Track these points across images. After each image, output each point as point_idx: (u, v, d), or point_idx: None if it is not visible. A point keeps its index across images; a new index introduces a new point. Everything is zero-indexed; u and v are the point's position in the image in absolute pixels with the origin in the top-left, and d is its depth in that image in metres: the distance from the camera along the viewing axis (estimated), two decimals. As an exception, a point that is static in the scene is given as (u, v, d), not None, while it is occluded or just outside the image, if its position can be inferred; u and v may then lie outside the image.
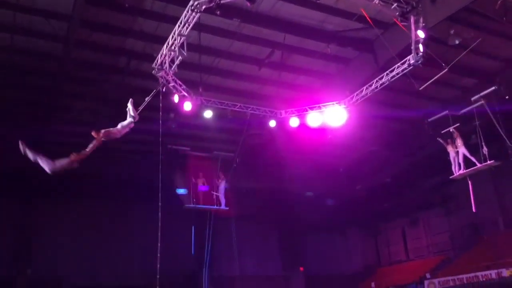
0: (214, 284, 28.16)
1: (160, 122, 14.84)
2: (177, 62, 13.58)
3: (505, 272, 18.88)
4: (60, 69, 17.73)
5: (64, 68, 17.68)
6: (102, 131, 10.19)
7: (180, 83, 15.38)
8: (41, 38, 16.16)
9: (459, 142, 16.73)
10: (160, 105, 14.68)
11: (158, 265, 13.56)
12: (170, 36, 13.52)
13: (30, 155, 9.32)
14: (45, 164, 9.37)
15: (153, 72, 14.46)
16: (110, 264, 26.06)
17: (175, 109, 16.69)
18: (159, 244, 13.51)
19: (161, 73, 14.36)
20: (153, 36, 16.35)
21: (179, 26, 13.02)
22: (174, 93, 15.24)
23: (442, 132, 17.31)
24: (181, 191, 22.16)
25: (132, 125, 11.00)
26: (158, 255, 13.56)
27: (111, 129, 10.54)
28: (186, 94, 15.58)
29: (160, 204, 13.63)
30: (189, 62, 15.66)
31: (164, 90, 14.87)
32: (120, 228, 27.05)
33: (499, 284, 17.82)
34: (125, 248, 26.68)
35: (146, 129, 21.67)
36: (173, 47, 13.39)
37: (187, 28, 12.94)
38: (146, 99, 14.23)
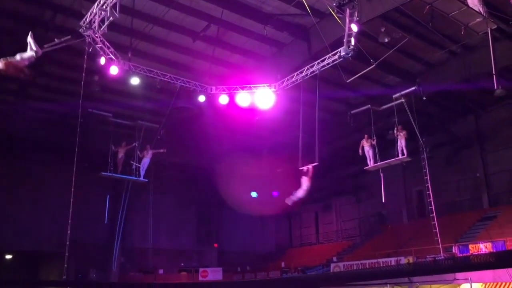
0: (126, 255, 27.72)
1: (82, 83, 14.15)
2: (107, 22, 12.88)
3: (403, 260, 20.26)
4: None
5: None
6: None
7: (109, 45, 14.66)
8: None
9: (401, 134, 17.20)
10: (84, 65, 14.00)
11: (69, 232, 13.13)
12: (103, -5, 12.80)
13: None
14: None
15: (80, 30, 13.68)
16: (15, 228, 24.51)
17: (100, 71, 15.92)
18: (70, 210, 13.05)
19: (89, 32, 13.62)
20: (84, -9, 15.35)
21: (113, -15, 12.37)
22: (100, 55, 14.53)
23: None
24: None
25: (33, 59, 10.25)
26: (69, 221, 13.12)
27: (8, 58, 9.79)
28: (113, 58, 14.91)
29: (75, 169, 13.11)
30: (120, 25, 14.93)
31: (90, 50, 14.14)
32: (30, 190, 25.56)
33: (397, 270, 19.05)
34: (34, 213, 25.24)
35: (67, 90, 20.71)
36: (104, 7, 12.68)
37: (121, -12, 12.33)
38: (63, 39, 12.65)
